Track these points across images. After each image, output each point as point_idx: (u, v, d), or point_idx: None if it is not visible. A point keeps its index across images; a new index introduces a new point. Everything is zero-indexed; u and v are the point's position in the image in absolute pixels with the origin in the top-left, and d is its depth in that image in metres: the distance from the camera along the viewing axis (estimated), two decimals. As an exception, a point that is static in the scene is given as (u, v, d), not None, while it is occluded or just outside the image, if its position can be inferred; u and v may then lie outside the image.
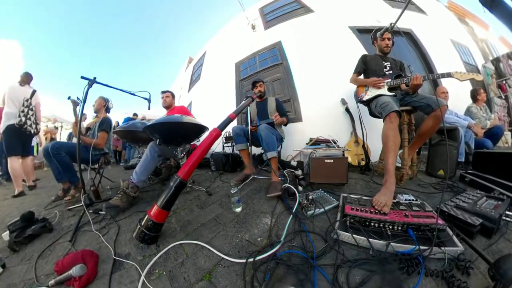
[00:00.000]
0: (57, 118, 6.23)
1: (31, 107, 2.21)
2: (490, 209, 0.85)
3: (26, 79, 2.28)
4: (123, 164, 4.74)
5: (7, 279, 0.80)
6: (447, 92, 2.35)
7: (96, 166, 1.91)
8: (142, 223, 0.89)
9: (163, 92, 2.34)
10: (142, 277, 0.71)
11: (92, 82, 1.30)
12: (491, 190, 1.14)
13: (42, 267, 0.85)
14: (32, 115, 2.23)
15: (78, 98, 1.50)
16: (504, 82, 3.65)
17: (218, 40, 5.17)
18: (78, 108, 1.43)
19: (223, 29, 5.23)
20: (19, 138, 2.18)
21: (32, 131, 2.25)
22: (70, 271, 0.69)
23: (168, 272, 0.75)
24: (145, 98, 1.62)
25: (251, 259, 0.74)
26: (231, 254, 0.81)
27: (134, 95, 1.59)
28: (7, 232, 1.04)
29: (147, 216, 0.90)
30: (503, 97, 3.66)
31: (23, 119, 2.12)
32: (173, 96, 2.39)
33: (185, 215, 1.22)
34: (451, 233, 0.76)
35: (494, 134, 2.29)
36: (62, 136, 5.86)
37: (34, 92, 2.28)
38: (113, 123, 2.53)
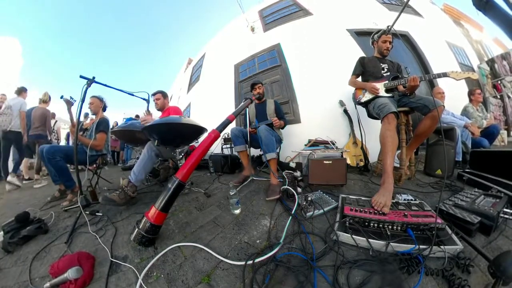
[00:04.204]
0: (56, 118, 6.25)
1: (54, 131, 3.72)
2: (488, 207, 0.86)
3: (53, 115, 3.82)
4: (121, 165, 4.71)
5: (1, 281, 0.78)
6: (443, 93, 2.38)
7: (94, 166, 1.89)
8: (140, 225, 0.88)
9: (153, 94, 2.12)
10: (140, 280, 0.70)
11: (91, 81, 1.29)
12: (489, 188, 1.15)
13: (37, 269, 0.84)
14: (54, 134, 3.73)
15: (71, 98, 1.48)
16: (499, 82, 3.71)
17: (217, 42, 5.19)
18: (76, 107, 1.42)
19: (222, 31, 5.26)
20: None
21: (55, 142, 3.75)
22: (66, 274, 0.68)
23: (166, 275, 0.74)
24: (144, 99, 1.62)
25: (250, 261, 0.73)
26: (230, 256, 0.80)
27: (132, 95, 1.58)
28: (1, 232, 1.03)
29: (145, 218, 0.88)
30: (499, 96, 3.72)
31: (50, 136, 3.26)
32: (164, 96, 2.18)
33: (183, 217, 1.21)
34: (450, 231, 0.76)
35: (490, 133, 2.32)
36: (60, 136, 5.82)
37: (56, 121, 3.88)
38: (112, 124, 2.51)
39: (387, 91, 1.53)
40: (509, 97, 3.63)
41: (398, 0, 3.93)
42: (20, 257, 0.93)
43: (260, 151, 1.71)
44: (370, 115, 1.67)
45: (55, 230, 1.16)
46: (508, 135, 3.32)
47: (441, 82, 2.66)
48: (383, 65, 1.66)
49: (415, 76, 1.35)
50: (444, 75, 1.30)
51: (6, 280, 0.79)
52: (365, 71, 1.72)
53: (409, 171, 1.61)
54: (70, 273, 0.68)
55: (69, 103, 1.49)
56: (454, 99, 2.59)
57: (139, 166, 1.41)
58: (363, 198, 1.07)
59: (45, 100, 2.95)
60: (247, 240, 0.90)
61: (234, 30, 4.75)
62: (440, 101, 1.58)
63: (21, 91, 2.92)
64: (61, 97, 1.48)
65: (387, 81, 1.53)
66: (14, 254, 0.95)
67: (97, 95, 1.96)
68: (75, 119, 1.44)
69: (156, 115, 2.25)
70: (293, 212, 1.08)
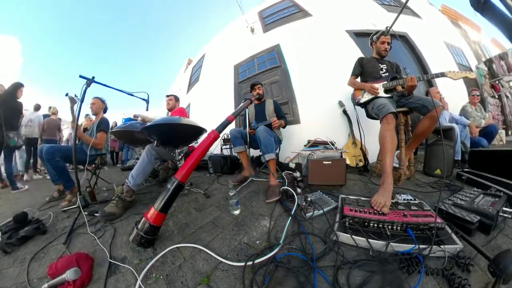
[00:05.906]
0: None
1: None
2: (488, 206, 0.86)
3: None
4: (120, 165, 4.70)
5: (-2, 283, 0.78)
6: (439, 92, 2.41)
7: (93, 166, 1.88)
8: (139, 226, 0.87)
9: (167, 96, 2.51)
10: (139, 281, 0.69)
11: (90, 81, 1.28)
12: (488, 187, 1.15)
13: (35, 270, 0.83)
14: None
15: (76, 96, 1.50)
16: (497, 82, 3.73)
17: (217, 42, 5.20)
18: (76, 107, 1.42)
19: (222, 32, 5.27)
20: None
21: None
22: (64, 275, 0.68)
23: (165, 276, 0.73)
24: (143, 99, 1.61)
25: (250, 262, 0.73)
26: (230, 257, 0.80)
27: (132, 95, 1.58)
28: (-1, 233, 1.02)
29: (144, 218, 0.88)
30: (497, 96, 3.74)
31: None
32: (176, 99, 2.53)
33: (183, 217, 1.20)
34: (450, 231, 0.76)
35: (489, 132, 2.34)
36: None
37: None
38: (111, 124, 2.57)
39: (386, 91, 1.53)
40: (507, 96, 3.66)
41: (397, 1, 3.96)
42: (18, 257, 0.92)
43: (260, 151, 1.71)
44: (369, 116, 1.67)
45: (54, 231, 1.15)
46: (507, 134, 3.34)
47: (439, 82, 2.68)
48: (381, 66, 1.66)
49: (413, 77, 1.36)
50: (442, 75, 1.30)
51: (3, 281, 0.78)
52: (363, 71, 1.72)
53: (408, 171, 1.61)
54: (69, 274, 0.67)
55: (73, 101, 1.52)
56: (453, 98, 2.60)
57: (138, 170, 1.38)
58: (362, 198, 1.07)
59: (54, 112, 3.82)
60: (247, 241, 0.90)
61: (234, 31, 4.75)
62: (439, 101, 1.59)
63: (38, 108, 3.76)
64: (66, 95, 1.51)
65: (385, 82, 1.54)
66: (12, 255, 0.95)
67: (100, 97, 1.99)
68: (75, 116, 1.44)
69: (161, 114, 2.36)
70: (292, 212, 1.07)
